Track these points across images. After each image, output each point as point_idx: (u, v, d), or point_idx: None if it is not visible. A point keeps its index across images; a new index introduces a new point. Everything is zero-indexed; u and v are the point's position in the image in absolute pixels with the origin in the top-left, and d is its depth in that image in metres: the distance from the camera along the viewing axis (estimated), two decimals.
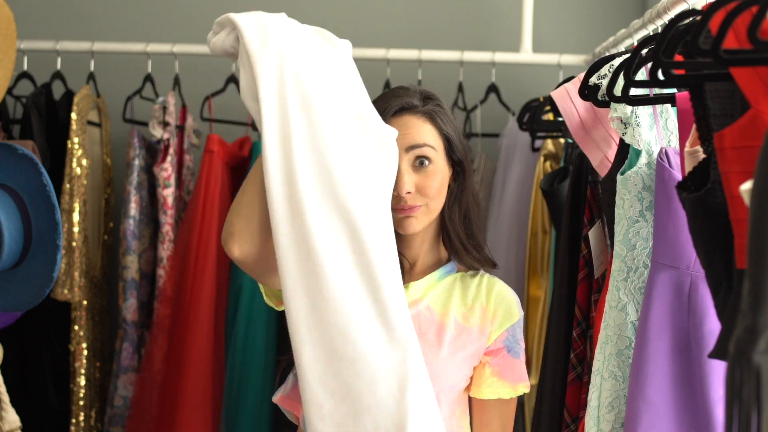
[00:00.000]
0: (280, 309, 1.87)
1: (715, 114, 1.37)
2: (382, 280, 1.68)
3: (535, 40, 3.64)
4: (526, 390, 1.94)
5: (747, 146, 1.23)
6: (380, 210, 1.71)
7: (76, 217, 3.19)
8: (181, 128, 3.42)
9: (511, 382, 1.91)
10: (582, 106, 2.01)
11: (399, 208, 1.85)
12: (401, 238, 1.92)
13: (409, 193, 1.85)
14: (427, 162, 1.86)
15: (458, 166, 1.92)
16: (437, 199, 1.88)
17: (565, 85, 2.06)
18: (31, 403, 3.22)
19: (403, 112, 1.88)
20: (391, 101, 1.88)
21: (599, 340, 1.81)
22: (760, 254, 0.98)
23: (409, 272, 1.94)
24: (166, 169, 3.31)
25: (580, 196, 2.26)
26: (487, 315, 1.91)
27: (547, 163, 3.18)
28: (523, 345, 1.95)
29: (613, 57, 1.92)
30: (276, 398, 1.93)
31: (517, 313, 1.93)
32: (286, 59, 1.71)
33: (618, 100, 1.78)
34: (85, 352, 3.26)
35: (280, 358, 2.03)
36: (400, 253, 1.92)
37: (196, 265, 3.29)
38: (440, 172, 1.87)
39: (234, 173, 3.48)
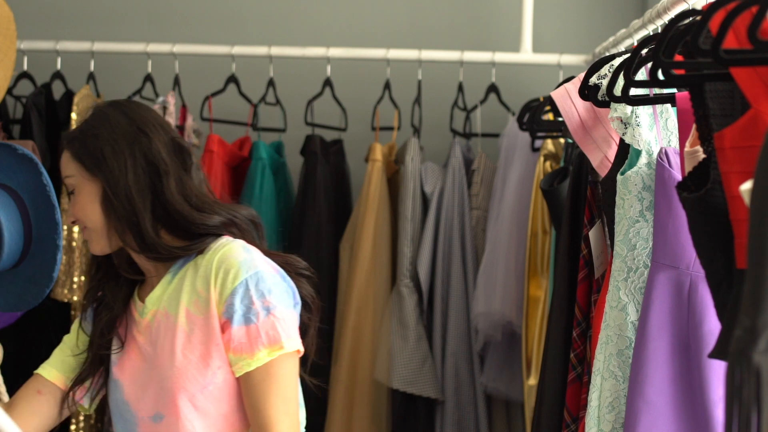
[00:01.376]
0: None
1: (715, 114, 1.37)
2: None
3: (535, 40, 3.64)
4: (282, 350, 1.74)
5: (747, 146, 1.23)
6: None
7: None
8: (181, 128, 3.42)
9: (248, 352, 1.74)
10: (582, 106, 2.01)
11: None
12: (132, 260, 1.89)
13: (73, 222, 1.87)
14: (74, 190, 1.86)
15: (101, 174, 1.82)
16: (89, 218, 1.84)
17: (565, 85, 2.06)
18: None
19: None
20: None
21: (599, 340, 1.81)
22: (760, 254, 0.98)
23: (148, 290, 1.88)
24: None
25: (580, 196, 2.26)
26: (211, 290, 1.77)
27: (547, 163, 3.18)
28: (261, 303, 1.75)
29: (613, 57, 1.92)
30: None
31: (241, 274, 1.75)
32: None
33: (618, 100, 1.77)
34: None
35: None
36: (142, 272, 1.90)
37: None
38: (81, 193, 1.84)
39: (234, 173, 3.48)
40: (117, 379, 1.88)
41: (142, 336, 1.86)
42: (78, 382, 1.92)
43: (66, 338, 1.98)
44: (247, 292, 1.75)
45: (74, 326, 1.97)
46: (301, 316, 1.87)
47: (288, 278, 1.83)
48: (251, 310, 1.75)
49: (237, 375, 1.77)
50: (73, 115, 3.21)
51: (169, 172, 1.82)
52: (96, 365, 1.91)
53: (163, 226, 1.82)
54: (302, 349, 1.80)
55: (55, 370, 1.93)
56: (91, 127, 1.84)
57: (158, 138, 1.84)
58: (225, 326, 1.76)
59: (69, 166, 1.87)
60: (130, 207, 1.80)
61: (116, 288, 1.91)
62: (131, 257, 1.89)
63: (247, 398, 1.77)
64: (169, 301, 1.83)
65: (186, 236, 1.83)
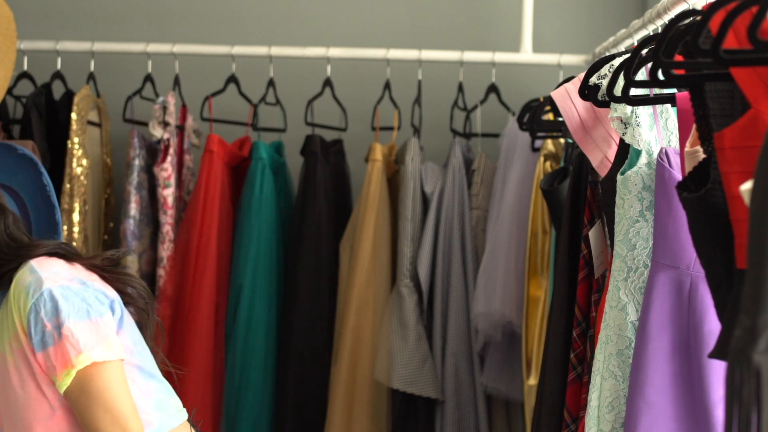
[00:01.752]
0: None
1: (715, 114, 1.37)
2: None
3: (535, 40, 3.64)
4: (75, 368, 1.72)
5: (747, 146, 1.23)
6: None
7: (76, 217, 3.19)
8: (181, 128, 3.42)
9: (54, 374, 1.73)
10: (582, 106, 2.01)
11: None
12: None
13: None
14: None
15: None
16: None
17: (565, 85, 2.06)
18: None
19: None
20: None
21: (599, 340, 1.81)
22: (760, 254, 0.98)
23: None
24: (166, 169, 3.31)
25: (580, 196, 2.26)
26: (15, 321, 1.76)
27: (547, 163, 3.18)
28: (53, 323, 1.72)
29: (613, 57, 1.92)
30: None
31: (30, 299, 1.73)
32: None
33: (618, 100, 1.77)
34: None
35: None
36: None
37: (196, 265, 3.29)
38: None
39: (234, 173, 3.48)
40: None
41: None
42: None
43: None
44: (38, 315, 1.73)
45: None
46: (142, 306, 1.88)
47: (89, 284, 1.80)
48: (45, 333, 1.73)
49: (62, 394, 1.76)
50: (73, 115, 3.21)
51: None
52: None
53: None
54: (107, 357, 1.75)
55: None
56: None
57: None
58: (32, 353, 1.74)
59: None
60: None
61: None
62: None
63: (76, 415, 1.76)
64: None
65: None
